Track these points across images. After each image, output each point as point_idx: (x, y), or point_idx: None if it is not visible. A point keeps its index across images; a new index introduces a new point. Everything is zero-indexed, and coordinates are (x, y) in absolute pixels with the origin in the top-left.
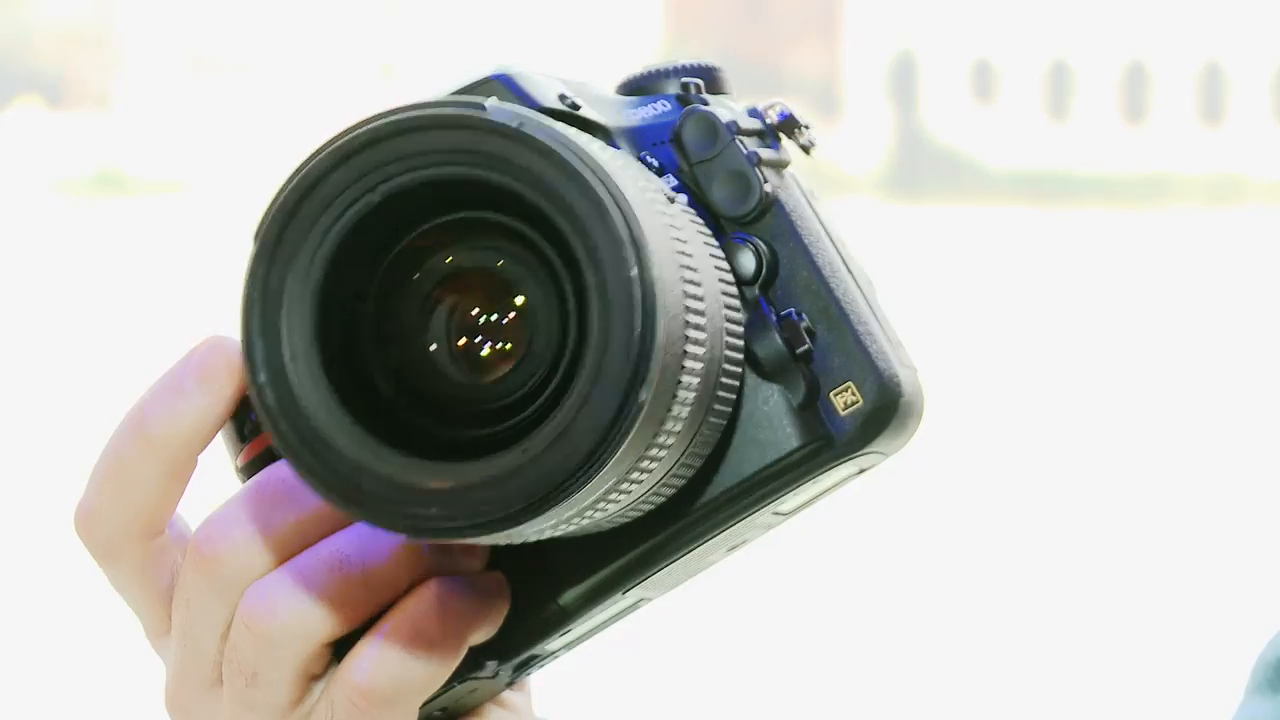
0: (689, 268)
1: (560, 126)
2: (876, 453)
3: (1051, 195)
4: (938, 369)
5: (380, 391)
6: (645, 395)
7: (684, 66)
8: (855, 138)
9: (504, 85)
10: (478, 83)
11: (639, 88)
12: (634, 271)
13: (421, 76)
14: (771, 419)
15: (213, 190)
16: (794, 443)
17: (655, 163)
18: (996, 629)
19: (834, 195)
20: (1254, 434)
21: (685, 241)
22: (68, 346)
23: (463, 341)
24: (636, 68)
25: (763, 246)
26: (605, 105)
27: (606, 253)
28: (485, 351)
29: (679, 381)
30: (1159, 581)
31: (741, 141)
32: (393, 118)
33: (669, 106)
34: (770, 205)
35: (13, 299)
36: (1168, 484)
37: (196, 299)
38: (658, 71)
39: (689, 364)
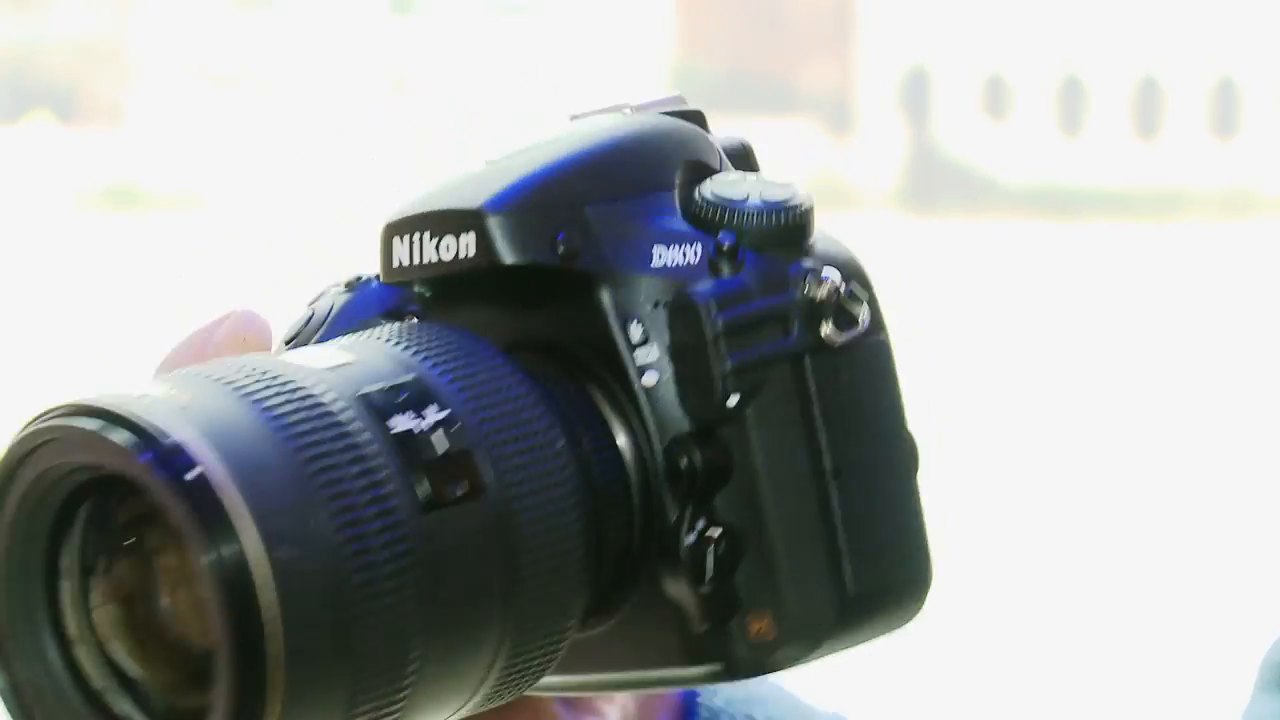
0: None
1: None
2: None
3: (1064, 210)
4: (952, 382)
5: (110, 671)
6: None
7: (761, 205)
8: (868, 152)
9: (492, 212)
10: (470, 213)
11: (700, 215)
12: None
13: (433, 92)
14: (671, 629)
15: (227, 206)
16: (688, 658)
17: (639, 333)
18: (1005, 628)
19: (847, 210)
20: (1266, 444)
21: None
22: (81, 361)
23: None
24: (721, 185)
25: (706, 454)
26: (633, 237)
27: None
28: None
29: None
30: (1166, 584)
31: (725, 343)
32: (49, 424)
33: (696, 259)
34: (735, 415)
35: (26, 313)
36: (1180, 491)
37: (210, 314)
38: (724, 203)
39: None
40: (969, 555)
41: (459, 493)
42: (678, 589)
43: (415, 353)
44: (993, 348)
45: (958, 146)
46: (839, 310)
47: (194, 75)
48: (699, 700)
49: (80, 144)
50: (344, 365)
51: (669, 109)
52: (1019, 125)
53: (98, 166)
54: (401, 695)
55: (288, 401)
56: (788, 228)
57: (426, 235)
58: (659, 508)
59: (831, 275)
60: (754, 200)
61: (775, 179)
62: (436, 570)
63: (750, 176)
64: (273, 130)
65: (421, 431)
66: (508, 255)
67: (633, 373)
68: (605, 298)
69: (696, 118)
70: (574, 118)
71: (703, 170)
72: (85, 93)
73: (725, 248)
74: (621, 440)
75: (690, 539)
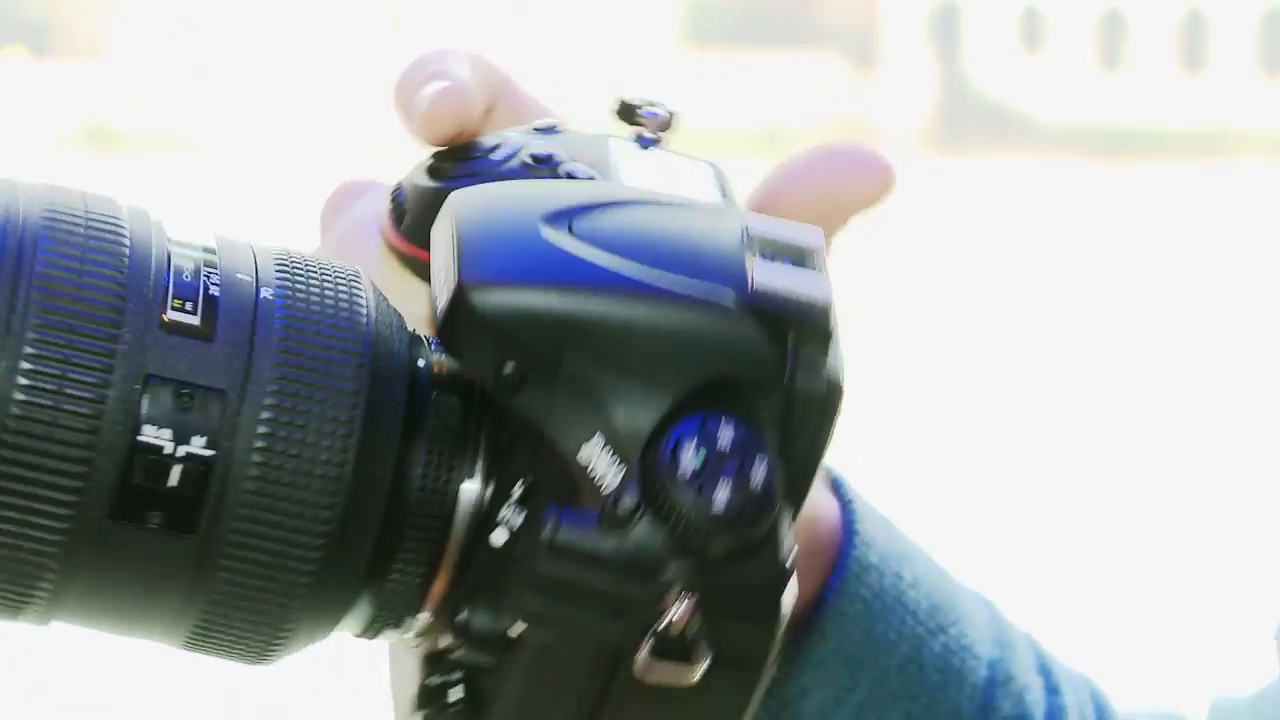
0: None
1: None
2: None
3: (1104, 149)
4: (982, 329)
5: None
6: None
7: (689, 504)
8: (895, 89)
9: (469, 290)
10: (458, 278)
11: (648, 455)
12: None
13: (430, 28)
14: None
15: (207, 146)
16: None
17: (520, 493)
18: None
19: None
20: None
21: None
22: None
23: None
24: (696, 441)
25: (485, 633)
26: (589, 415)
27: None
28: None
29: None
30: (1202, 527)
31: (535, 584)
32: None
33: (607, 486)
34: (515, 642)
35: None
36: (1220, 436)
37: None
38: (663, 470)
39: None
40: (994, 501)
41: (157, 524)
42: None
43: (282, 349)
44: (1027, 294)
45: (991, 82)
46: (672, 643)
47: (174, 8)
48: (854, 553)
49: (56, 80)
50: (193, 335)
51: (798, 297)
52: (1056, 59)
53: (75, 104)
54: (27, 603)
55: (107, 312)
56: (704, 538)
57: (443, 242)
58: (447, 622)
59: (684, 608)
60: (693, 493)
61: (760, 472)
62: (98, 567)
63: (747, 452)
64: (257, 67)
65: (167, 455)
66: (453, 342)
67: (495, 514)
68: (520, 448)
69: (807, 323)
70: (749, 223)
71: (724, 398)
72: (61, 27)
73: (621, 509)
74: (465, 499)
75: (435, 679)
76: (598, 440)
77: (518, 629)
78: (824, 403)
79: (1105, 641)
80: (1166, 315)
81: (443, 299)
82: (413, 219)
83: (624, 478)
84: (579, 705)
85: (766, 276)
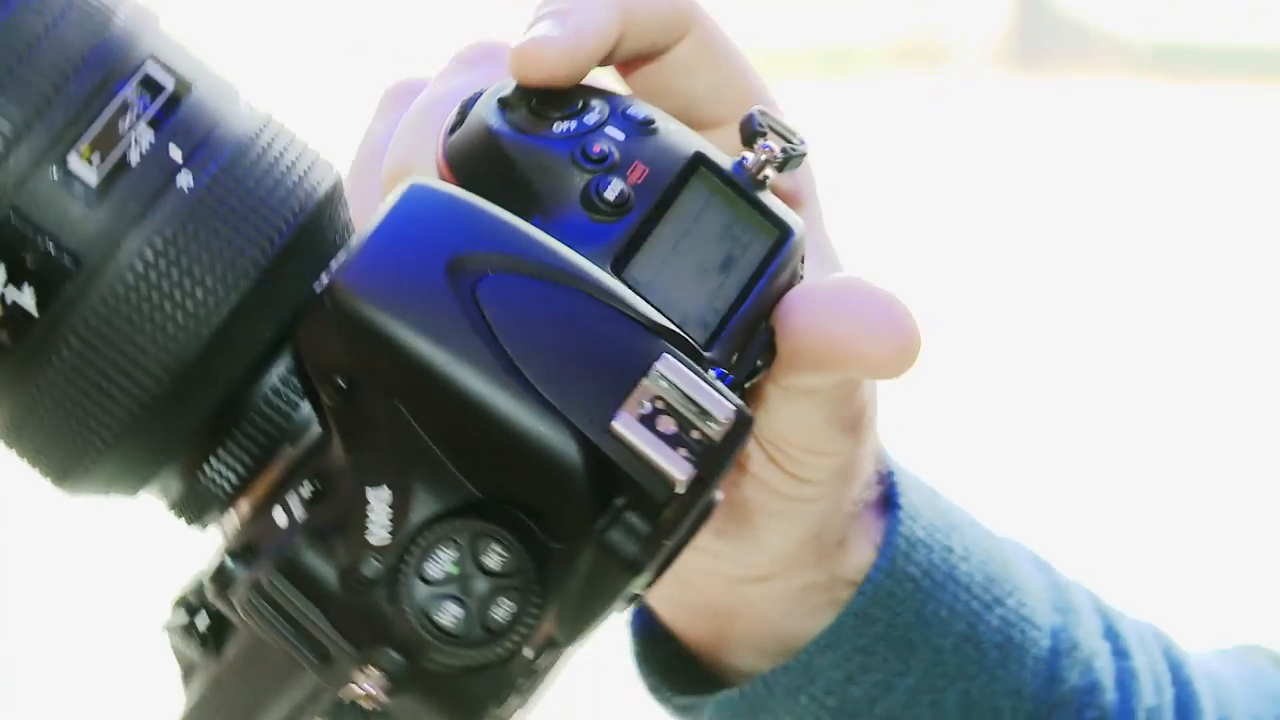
0: None
1: None
2: None
3: (1191, 68)
4: (1062, 252)
5: None
6: None
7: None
8: (967, 4)
9: (339, 288)
10: (335, 280)
11: (408, 554)
12: None
13: None
14: None
15: None
16: None
17: (309, 490)
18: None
19: (942, 70)
20: None
21: None
22: None
23: None
24: (450, 556)
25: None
26: (396, 462)
27: None
28: None
29: None
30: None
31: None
32: None
33: (369, 556)
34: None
35: None
36: None
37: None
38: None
39: None
40: (1064, 433)
41: None
42: None
43: (162, 245)
44: (1107, 220)
45: None
46: (348, 712)
47: None
48: (899, 529)
49: None
50: (83, 194)
51: (648, 463)
52: None
53: None
54: None
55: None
56: (416, 643)
57: (379, 213)
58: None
59: (373, 691)
60: (425, 597)
61: (502, 612)
62: None
63: (501, 588)
64: (260, 12)
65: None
66: (305, 325)
67: (294, 486)
68: (326, 451)
69: (641, 493)
70: None
71: (521, 523)
72: None
73: (362, 571)
74: (304, 430)
75: (194, 600)
76: (385, 494)
77: (238, 609)
78: (625, 568)
79: (1184, 576)
80: (1253, 241)
81: (325, 278)
82: (461, 140)
83: (383, 545)
84: (283, 703)
85: (629, 429)
